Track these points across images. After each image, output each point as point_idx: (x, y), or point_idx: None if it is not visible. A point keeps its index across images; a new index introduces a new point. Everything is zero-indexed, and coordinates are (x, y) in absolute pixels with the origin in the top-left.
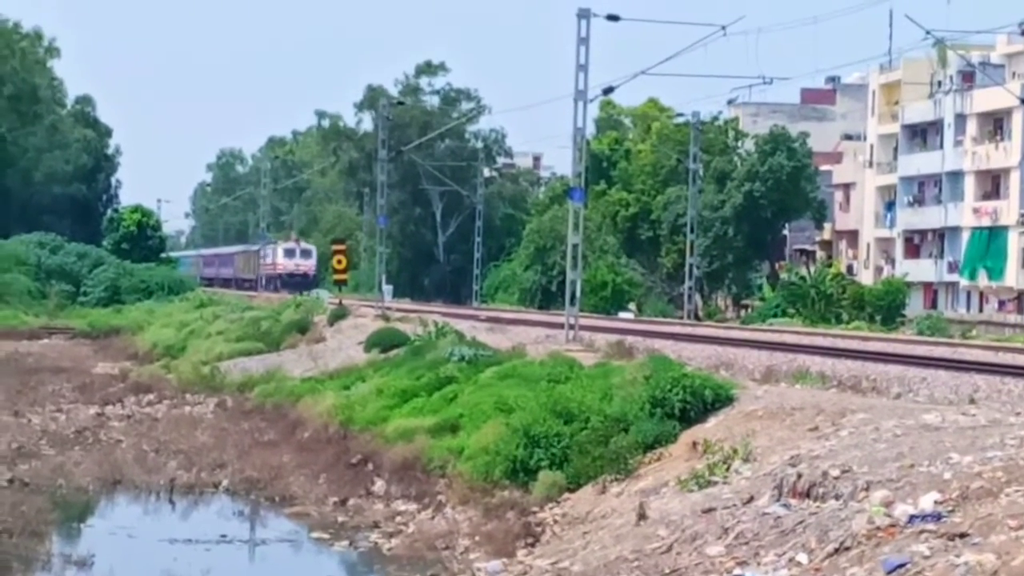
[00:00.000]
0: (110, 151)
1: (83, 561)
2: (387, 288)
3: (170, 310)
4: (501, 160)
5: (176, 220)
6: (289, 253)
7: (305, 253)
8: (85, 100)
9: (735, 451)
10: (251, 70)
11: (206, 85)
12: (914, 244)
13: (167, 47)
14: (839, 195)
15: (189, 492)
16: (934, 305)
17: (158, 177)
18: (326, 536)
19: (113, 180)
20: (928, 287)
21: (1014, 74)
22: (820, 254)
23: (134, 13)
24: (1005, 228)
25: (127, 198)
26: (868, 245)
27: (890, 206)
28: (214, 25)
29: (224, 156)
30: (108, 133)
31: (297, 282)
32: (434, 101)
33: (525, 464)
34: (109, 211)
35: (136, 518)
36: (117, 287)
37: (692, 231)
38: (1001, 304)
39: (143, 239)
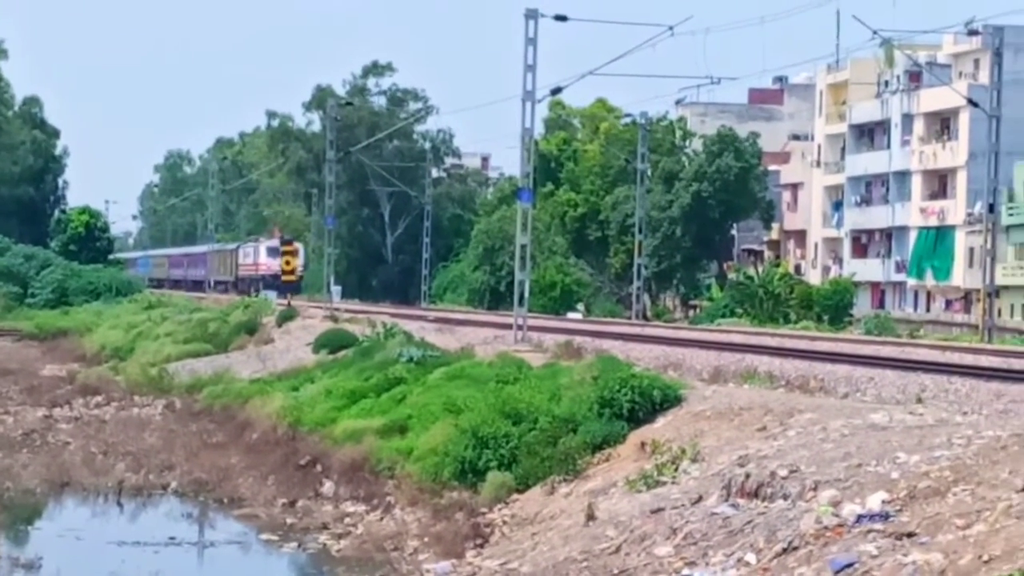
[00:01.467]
0: (58, 152)
1: (31, 564)
2: (335, 289)
3: (118, 312)
4: (449, 161)
5: (124, 221)
6: (273, 252)
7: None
8: (32, 101)
9: (683, 451)
10: (198, 71)
11: (154, 86)
12: (862, 244)
13: (115, 48)
14: (787, 195)
15: (137, 494)
16: (881, 305)
17: (106, 178)
18: (275, 538)
19: (61, 181)
20: (875, 287)
21: (961, 74)
22: (768, 254)
23: (82, 14)
24: (952, 228)
25: (75, 199)
26: (816, 245)
27: (838, 206)
28: (161, 26)
29: (172, 157)
30: (56, 134)
31: (281, 285)
32: (382, 102)
33: (474, 465)
34: (57, 212)
35: (84, 520)
36: (65, 289)
37: (640, 231)
38: (948, 304)
39: (91, 241)
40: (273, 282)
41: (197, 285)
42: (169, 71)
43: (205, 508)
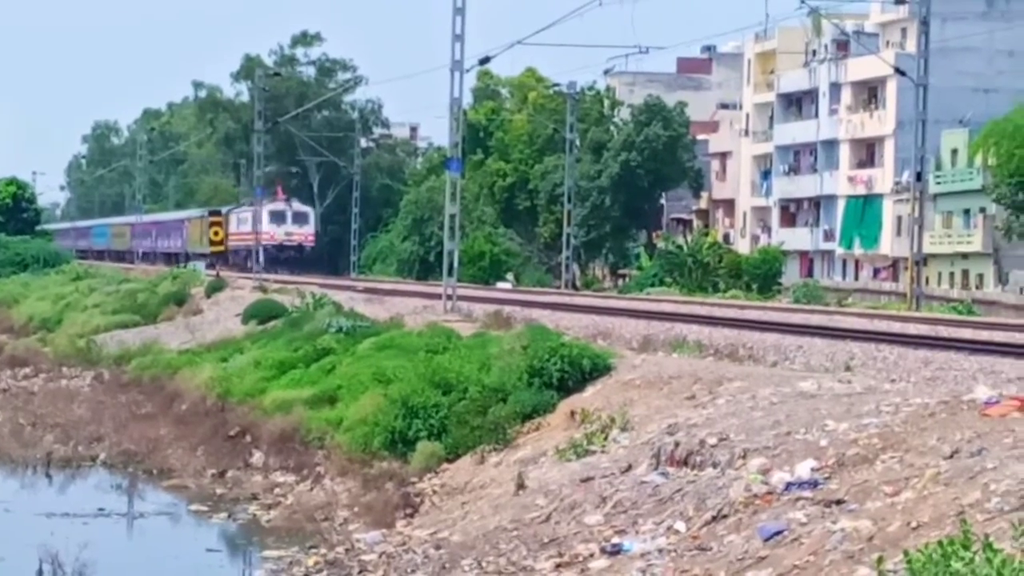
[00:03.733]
0: None
1: None
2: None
3: (46, 283)
4: (378, 131)
5: (51, 192)
6: (277, 217)
7: (299, 217)
8: None
9: (613, 420)
10: (125, 41)
11: (81, 56)
12: (790, 213)
13: (40, 17)
14: (715, 164)
15: (66, 466)
16: (810, 273)
17: (33, 150)
18: (204, 508)
19: None
20: (804, 255)
21: (888, 43)
22: (697, 223)
23: None
24: (880, 196)
25: (1, 170)
26: (744, 214)
27: (766, 175)
28: None
29: (99, 128)
30: None
31: (289, 258)
32: (310, 72)
33: (404, 435)
34: None
35: (12, 492)
36: None
37: (569, 201)
38: (876, 272)
39: (18, 212)
40: (278, 254)
41: (171, 259)
42: (96, 41)
43: (134, 479)
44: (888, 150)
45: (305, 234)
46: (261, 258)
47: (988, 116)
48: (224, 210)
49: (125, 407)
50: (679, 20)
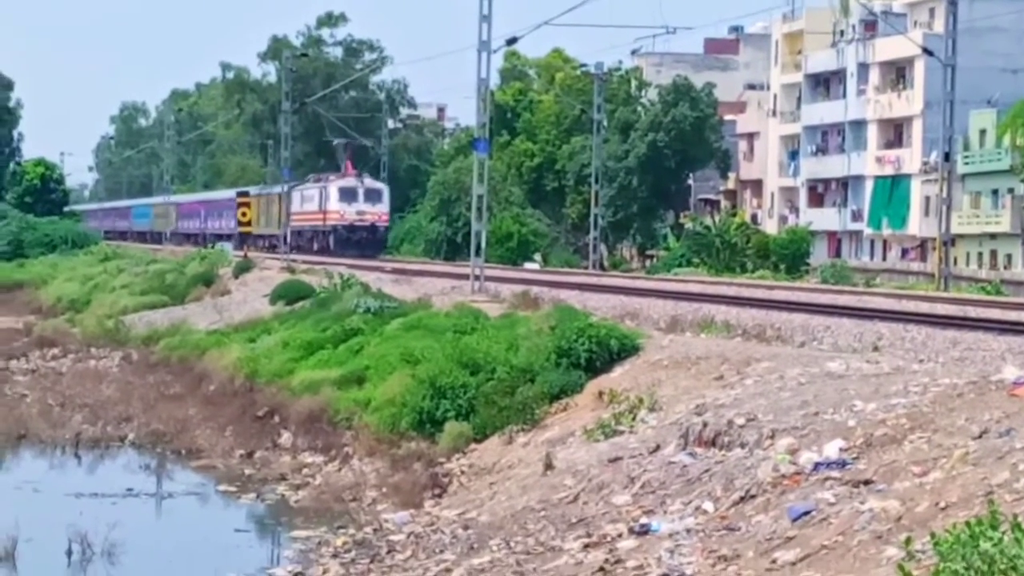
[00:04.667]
0: (12, 104)
1: None
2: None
3: (74, 264)
4: (405, 111)
5: (79, 173)
6: (348, 195)
7: (372, 195)
8: None
9: (641, 401)
10: (153, 22)
11: (108, 37)
12: (818, 193)
13: None
14: (743, 145)
15: (95, 446)
16: (838, 254)
17: (61, 131)
18: (233, 489)
19: (15, 134)
20: (832, 236)
21: (916, 23)
22: (724, 203)
23: None
24: (908, 176)
25: (30, 151)
26: (772, 194)
27: (794, 155)
28: None
29: (127, 109)
30: (9, 86)
31: (361, 240)
32: (337, 52)
33: (432, 415)
34: (12, 165)
35: (42, 472)
36: (20, 241)
37: (597, 181)
38: (904, 252)
39: (46, 193)
40: (349, 236)
41: (222, 240)
42: (124, 22)
43: (163, 459)
44: (916, 130)
45: (378, 213)
46: (287, 238)
47: (1016, 96)
48: (280, 188)
49: (153, 387)
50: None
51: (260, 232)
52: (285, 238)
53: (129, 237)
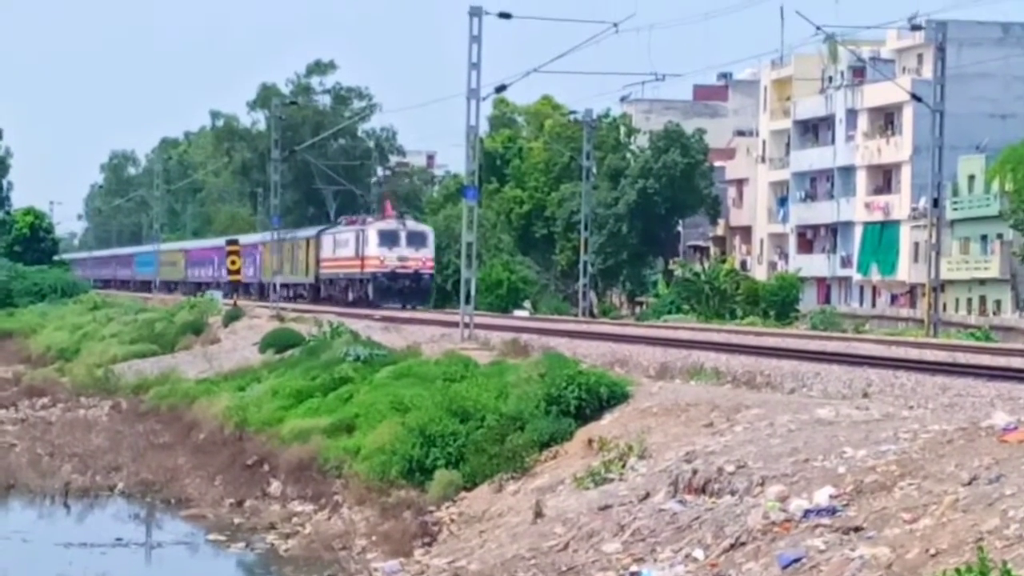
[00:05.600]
0: (1, 153)
1: None
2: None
3: (63, 313)
4: (394, 159)
5: (69, 222)
6: (388, 239)
7: (416, 239)
8: None
9: (631, 448)
10: (142, 70)
11: (98, 86)
12: (807, 239)
13: (59, 48)
14: (732, 191)
15: (84, 495)
16: (827, 300)
17: (51, 179)
18: (223, 538)
19: (5, 183)
20: (821, 282)
21: (904, 69)
22: (714, 250)
23: (25, 13)
24: (897, 222)
25: (19, 201)
26: (761, 240)
27: (783, 201)
28: (105, 26)
29: (116, 157)
30: None
31: (404, 289)
32: (326, 100)
33: (421, 463)
34: (1, 214)
35: (31, 522)
36: (9, 290)
37: (586, 228)
38: (893, 298)
39: (36, 241)
40: (390, 284)
41: (239, 290)
42: (113, 71)
43: (152, 509)
44: (905, 176)
45: (423, 259)
46: (277, 287)
47: (1005, 142)
48: (309, 231)
49: (143, 436)
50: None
51: (284, 281)
52: (317, 287)
53: (132, 287)
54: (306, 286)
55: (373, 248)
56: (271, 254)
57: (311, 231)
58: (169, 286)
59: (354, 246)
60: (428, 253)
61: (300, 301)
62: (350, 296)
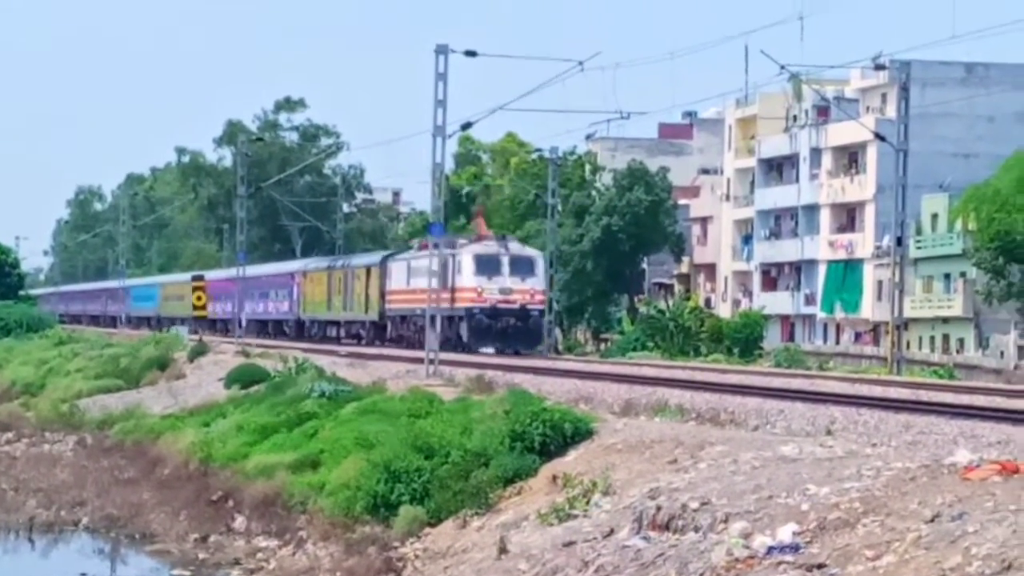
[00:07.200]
0: None
1: None
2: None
3: (29, 348)
4: (360, 196)
5: (35, 257)
6: (487, 265)
7: (521, 266)
8: None
9: (595, 484)
10: (109, 106)
11: (64, 122)
12: (771, 277)
13: (23, 84)
14: (697, 229)
15: (49, 530)
16: (791, 337)
17: (17, 214)
18: (187, 573)
19: None
20: (785, 319)
21: (868, 108)
22: (678, 287)
23: None
24: (860, 261)
25: None
26: (726, 278)
27: (747, 239)
28: (69, 62)
29: (83, 193)
30: None
31: (508, 329)
32: (293, 137)
33: (386, 499)
34: None
35: None
36: None
37: (551, 265)
38: (857, 336)
39: (2, 276)
40: (491, 323)
41: (275, 329)
42: (79, 106)
43: (117, 544)
44: (869, 215)
45: (531, 290)
46: (242, 323)
47: (968, 181)
48: (372, 257)
49: (108, 472)
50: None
51: (333, 318)
52: (382, 326)
53: (121, 323)
54: (366, 325)
55: (468, 277)
56: (313, 285)
57: (373, 257)
58: (152, 321)
59: (451, 274)
60: (537, 284)
61: (359, 344)
62: (420, 340)
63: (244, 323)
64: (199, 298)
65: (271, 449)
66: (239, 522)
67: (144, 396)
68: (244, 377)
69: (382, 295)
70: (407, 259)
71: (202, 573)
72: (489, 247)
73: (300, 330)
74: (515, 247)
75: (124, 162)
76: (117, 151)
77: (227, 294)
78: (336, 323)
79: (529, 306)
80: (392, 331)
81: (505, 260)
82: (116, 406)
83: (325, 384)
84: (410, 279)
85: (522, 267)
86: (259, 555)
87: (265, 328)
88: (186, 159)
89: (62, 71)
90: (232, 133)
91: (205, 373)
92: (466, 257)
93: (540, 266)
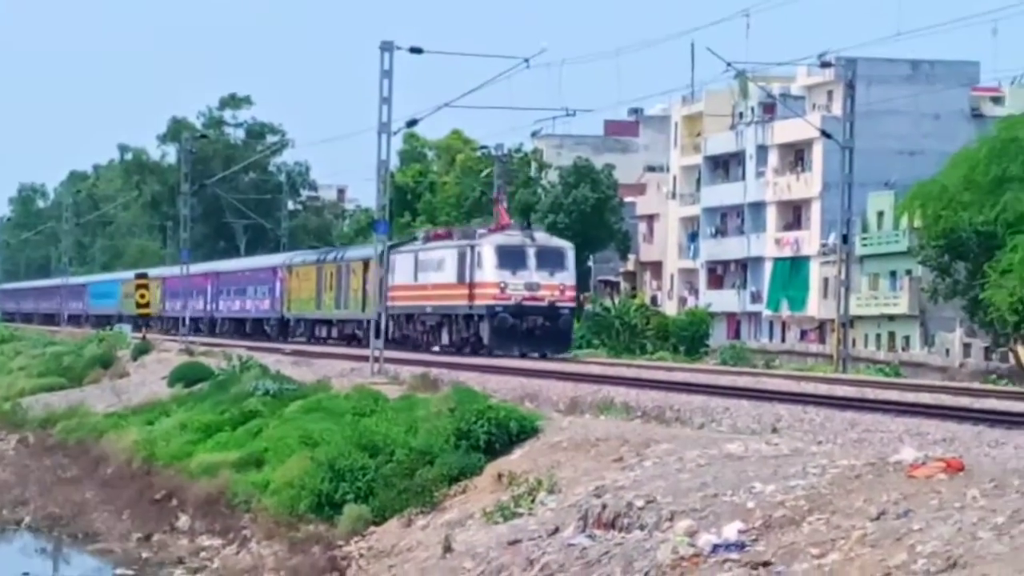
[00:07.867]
0: None
1: None
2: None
3: None
4: (305, 193)
5: None
6: (511, 258)
7: (550, 258)
8: None
9: (540, 482)
10: (51, 103)
11: (5, 119)
12: (717, 275)
13: None
14: (643, 226)
15: None
16: (737, 335)
17: None
18: (130, 573)
19: None
20: (731, 317)
21: (814, 105)
22: (624, 285)
23: None
24: (806, 258)
25: None
26: (672, 276)
27: (693, 237)
28: (8, 58)
29: (25, 190)
30: None
31: (535, 330)
32: (238, 134)
33: (331, 498)
34: None
35: None
36: None
37: None
38: (803, 334)
39: None
40: (515, 323)
41: (253, 329)
42: (21, 104)
43: (59, 543)
44: (815, 212)
45: (560, 286)
46: (186, 321)
47: (914, 178)
48: (382, 248)
49: (50, 470)
50: (606, 83)
51: (324, 316)
52: (379, 326)
53: (85, 322)
54: (362, 324)
55: (489, 271)
56: (299, 281)
57: (368, 249)
58: (114, 319)
59: (454, 268)
60: (567, 279)
61: (352, 345)
62: (445, 339)
63: (188, 321)
64: (142, 296)
65: (215, 448)
66: (183, 521)
67: (87, 394)
68: (188, 375)
69: (384, 292)
70: (414, 251)
71: (145, 572)
72: (513, 237)
73: (284, 330)
74: (542, 237)
75: (67, 159)
76: (60, 148)
77: (199, 291)
78: (327, 322)
79: (559, 303)
80: (395, 331)
81: (531, 252)
82: (59, 404)
83: (269, 382)
84: (418, 274)
85: (550, 259)
86: (203, 554)
87: (242, 328)
88: (129, 156)
89: (2, 67)
90: (176, 130)
91: (148, 371)
92: (487, 248)
93: (570, 258)
